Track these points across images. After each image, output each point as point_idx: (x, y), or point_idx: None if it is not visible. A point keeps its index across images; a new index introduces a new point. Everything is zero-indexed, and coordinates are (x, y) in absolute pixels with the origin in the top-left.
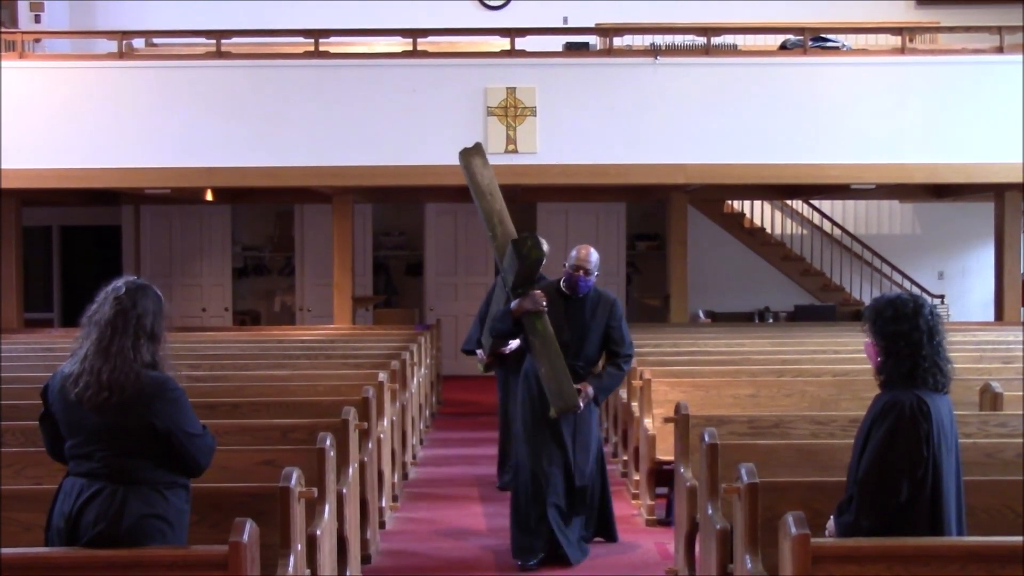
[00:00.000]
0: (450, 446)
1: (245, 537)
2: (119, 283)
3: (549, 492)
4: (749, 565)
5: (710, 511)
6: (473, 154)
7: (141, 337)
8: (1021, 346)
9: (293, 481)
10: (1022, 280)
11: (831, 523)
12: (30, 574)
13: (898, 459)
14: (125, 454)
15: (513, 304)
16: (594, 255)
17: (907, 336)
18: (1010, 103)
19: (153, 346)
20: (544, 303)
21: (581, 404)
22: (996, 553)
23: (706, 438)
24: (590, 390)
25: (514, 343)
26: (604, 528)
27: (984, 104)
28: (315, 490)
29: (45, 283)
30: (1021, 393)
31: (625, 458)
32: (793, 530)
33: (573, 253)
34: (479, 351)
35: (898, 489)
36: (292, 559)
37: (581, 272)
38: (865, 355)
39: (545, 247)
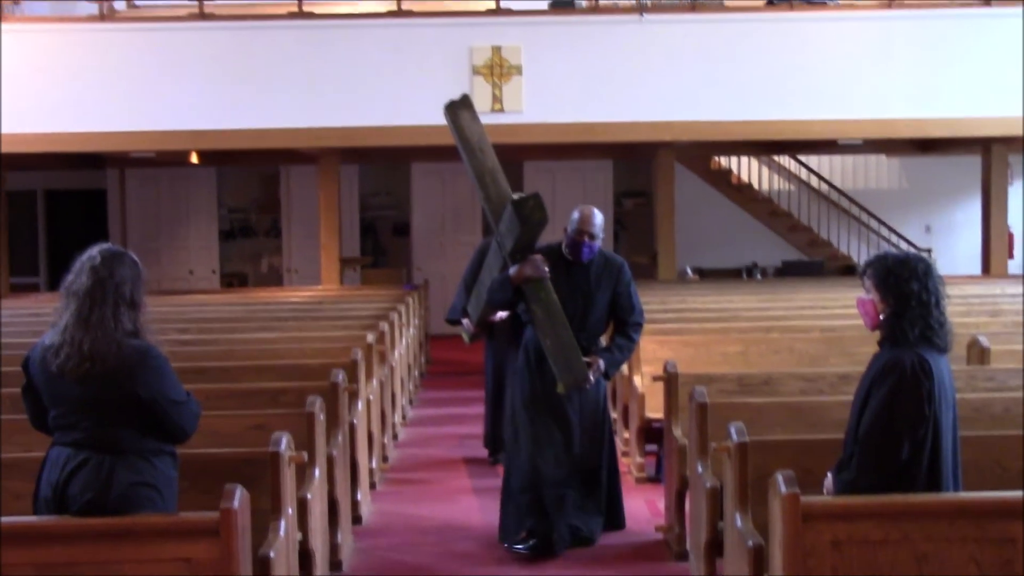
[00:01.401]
0: (440, 406)
1: (236, 503)
2: (94, 252)
3: (547, 480)
4: (739, 523)
5: (700, 469)
6: (460, 107)
7: (121, 305)
8: (1008, 299)
9: (283, 446)
10: (1008, 233)
11: (828, 481)
12: (22, 543)
13: (900, 418)
14: (110, 423)
15: (512, 270)
16: (598, 217)
17: (919, 296)
18: (997, 56)
19: (133, 314)
20: (546, 268)
21: (592, 378)
22: (985, 509)
23: (696, 397)
24: (601, 363)
25: (503, 313)
26: (612, 517)
27: (971, 58)
28: (305, 454)
29: (31, 248)
30: (1007, 347)
31: (615, 416)
32: (783, 489)
33: (575, 215)
34: (465, 321)
35: (900, 448)
36: (283, 523)
37: (585, 237)
38: (859, 311)
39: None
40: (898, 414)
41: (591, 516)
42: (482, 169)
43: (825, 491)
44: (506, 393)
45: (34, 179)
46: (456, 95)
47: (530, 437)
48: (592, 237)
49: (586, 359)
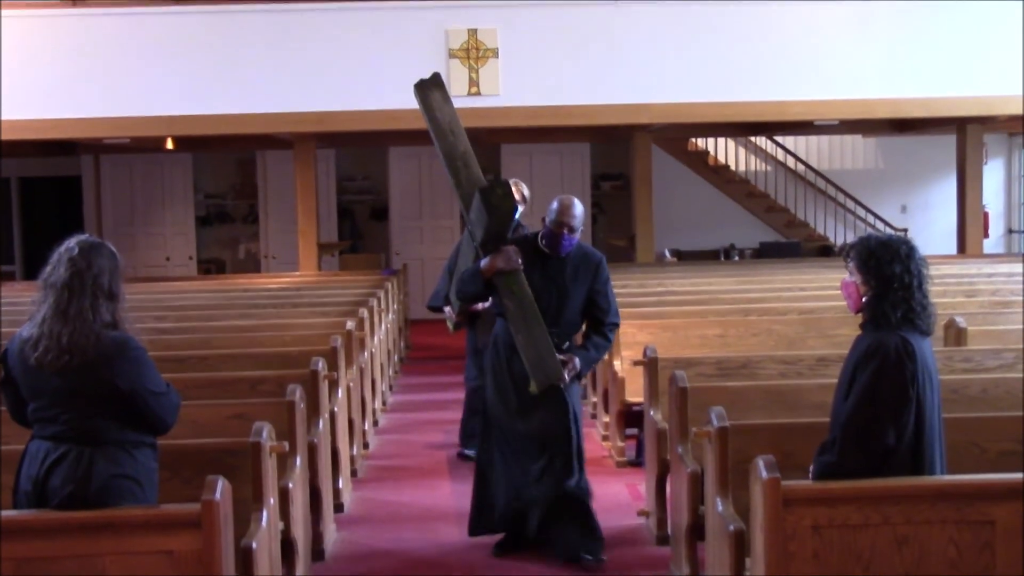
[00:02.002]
0: (420, 391)
1: (218, 495)
2: (71, 243)
3: (519, 483)
4: (720, 508)
5: (681, 453)
6: (430, 87)
7: (99, 297)
8: (984, 279)
9: (264, 436)
10: (983, 213)
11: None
12: (3, 537)
13: (884, 401)
14: (90, 415)
15: (483, 262)
16: (579, 208)
17: (900, 279)
18: (972, 37)
19: (112, 305)
20: (519, 260)
21: (567, 377)
22: (964, 491)
23: (676, 382)
24: (577, 362)
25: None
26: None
27: (946, 38)
28: (286, 444)
29: (5, 236)
30: (984, 328)
31: (595, 400)
32: (764, 474)
33: (554, 206)
34: (447, 308)
35: (885, 431)
36: (265, 513)
37: (565, 229)
38: (843, 293)
39: (526, 192)
40: (882, 397)
41: (588, 540)
42: (453, 153)
43: (812, 476)
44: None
45: (7, 167)
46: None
47: (498, 438)
48: (572, 230)
49: (560, 357)
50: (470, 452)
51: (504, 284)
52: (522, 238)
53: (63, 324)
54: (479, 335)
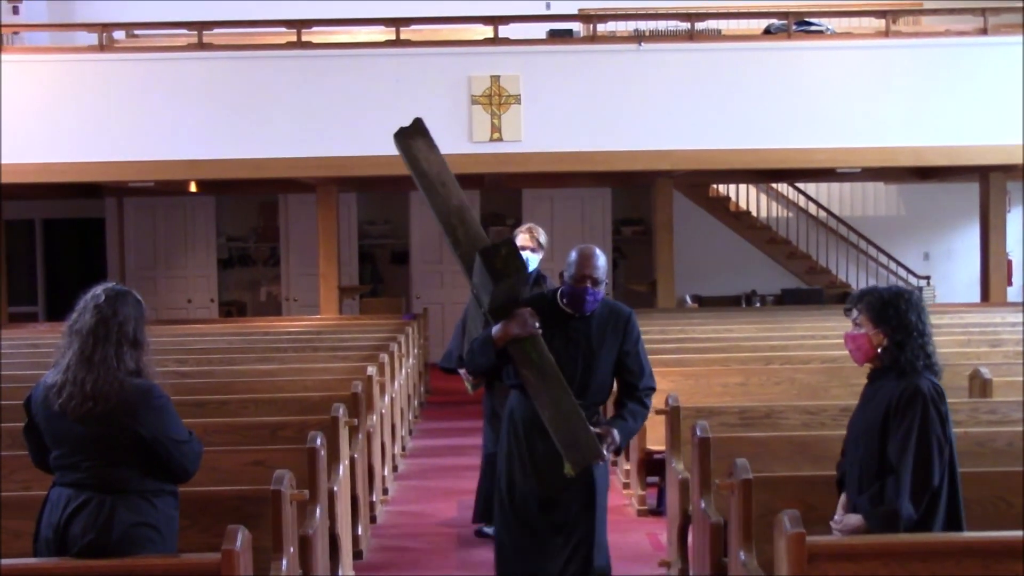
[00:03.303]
0: (439, 436)
1: (238, 545)
2: (98, 290)
3: (537, 568)
4: (743, 560)
5: (703, 505)
6: (412, 135)
7: (124, 345)
8: (1008, 328)
9: (284, 484)
10: (1007, 260)
11: (841, 516)
12: None
13: (930, 443)
14: (111, 464)
15: (495, 329)
16: (601, 259)
17: (917, 327)
18: (995, 85)
19: (136, 353)
20: (537, 323)
21: (607, 454)
22: (992, 548)
23: (698, 432)
24: (615, 434)
25: None
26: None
27: (969, 86)
28: (307, 492)
29: (29, 277)
30: (1009, 379)
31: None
32: (788, 528)
33: (572, 257)
34: (462, 371)
35: (932, 473)
36: (285, 561)
37: (587, 283)
38: (849, 346)
39: (542, 238)
40: (928, 440)
41: None
42: (446, 208)
43: (836, 527)
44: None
45: (32, 208)
46: (455, 124)
47: (520, 533)
48: (596, 283)
49: (595, 430)
50: (489, 530)
51: (521, 352)
52: (538, 297)
53: (87, 371)
54: (496, 398)
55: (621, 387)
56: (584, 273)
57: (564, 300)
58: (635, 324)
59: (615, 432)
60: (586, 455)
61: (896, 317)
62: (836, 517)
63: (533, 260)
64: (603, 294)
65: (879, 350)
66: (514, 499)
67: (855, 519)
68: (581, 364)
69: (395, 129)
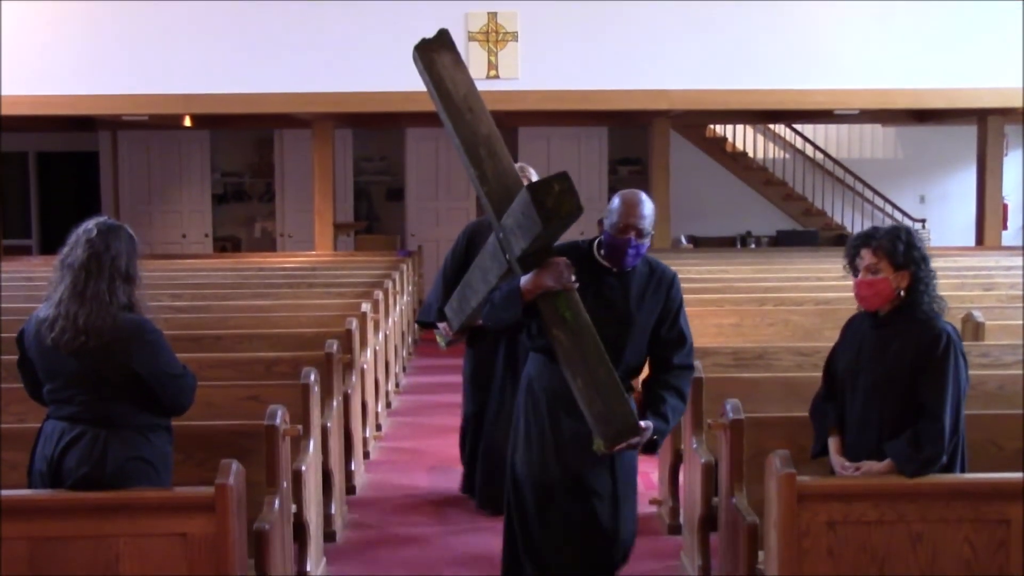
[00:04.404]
0: (433, 373)
1: (231, 479)
2: (90, 224)
3: (555, 558)
4: (734, 500)
5: (695, 445)
6: (437, 49)
7: (116, 279)
8: (1002, 272)
9: (278, 419)
10: (1003, 205)
11: (866, 464)
12: (17, 516)
13: (961, 388)
14: (105, 398)
15: (524, 279)
16: (648, 206)
17: (928, 260)
18: (994, 27)
19: (129, 288)
20: (573, 276)
21: (646, 431)
22: (980, 490)
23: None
24: (650, 426)
25: None
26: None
27: (968, 28)
28: (300, 427)
29: (23, 210)
30: (1002, 322)
31: None
32: (779, 468)
33: (615, 203)
34: (441, 325)
35: (960, 418)
36: (278, 496)
37: (632, 233)
38: (866, 293)
39: (535, 178)
40: (958, 385)
41: None
42: (473, 137)
43: (844, 469)
44: (487, 414)
45: (26, 141)
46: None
47: (539, 519)
48: (641, 235)
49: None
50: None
51: (552, 309)
52: (571, 246)
53: (80, 305)
54: (478, 358)
55: (654, 363)
56: (628, 222)
57: (602, 252)
58: (679, 288)
59: (650, 426)
60: (623, 431)
61: (920, 258)
62: (844, 463)
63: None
64: (647, 248)
65: (901, 293)
66: (532, 485)
67: (880, 466)
68: (615, 328)
69: (391, 65)
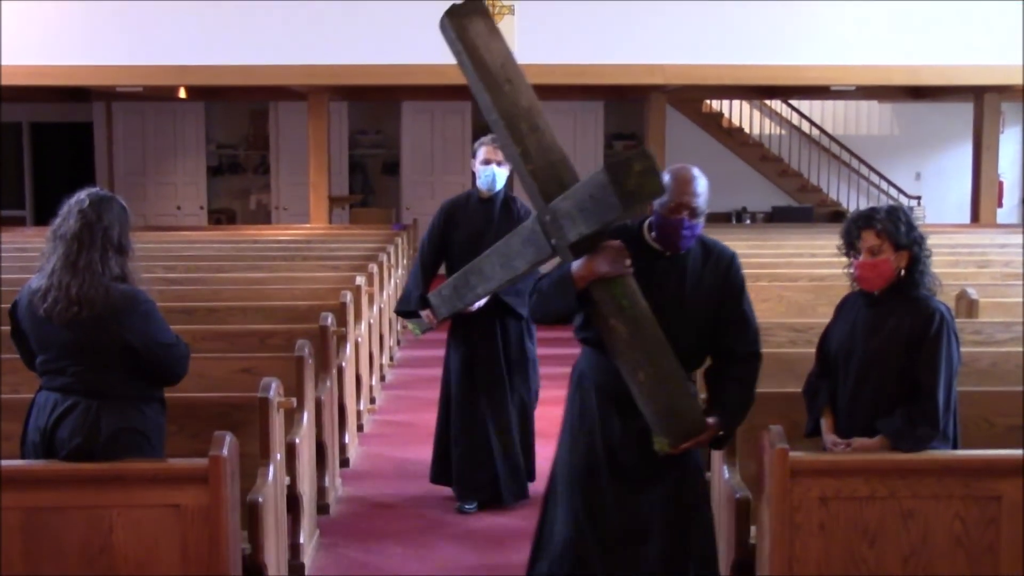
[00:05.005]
0: (427, 347)
1: (225, 451)
2: (82, 195)
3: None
4: (727, 475)
5: None
6: (470, 15)
7: (109, 250)
8: (997, 250)
9: (272, 392)
10: (998, 182)
11: (857, 441)
12: (11, 487)
13: (954, 366)
14: (98, 368)
15: (574, 266)
16: (702, 182)
17: (925, 240)
18: (992, 4)
19: (121, 259)
20: (628, 261)
21: (713, 427)
22: (971, 467)
23: None
24: (717, 421)
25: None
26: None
27: (965, 5)
28: (294, 400)
29: (16, 181)
30: (996, 300)
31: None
32: (772, 444)
33: (665, 179)
34: (423, 313)
35: (953, 395)
36: (271, 468)
37: (684, 212)
38: (869, 275)
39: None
40: (951, 363)
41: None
42: (513, 110)
43: (833, 446)
44: (451, 403)
45: (20, 111)
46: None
47: (579, 546)
48: (695, 214)
49: None
50: (470, 507)
51: (608, 297)
52: (620, 228)
53: (72, 276)
54: (466, 345)
55: (716, 352)
56: (681, 201)
57: (653, 234)
58: (739, 269)
59: (717, 425)
60: (690, 428)
61: (919, 238)
62: (835, 440)
63: (500, 176)
64: (702, 228)
65: (901, 273)
66: (580, 490)
67: (871, 442)
68: (670, 316)
69: (387, 37)
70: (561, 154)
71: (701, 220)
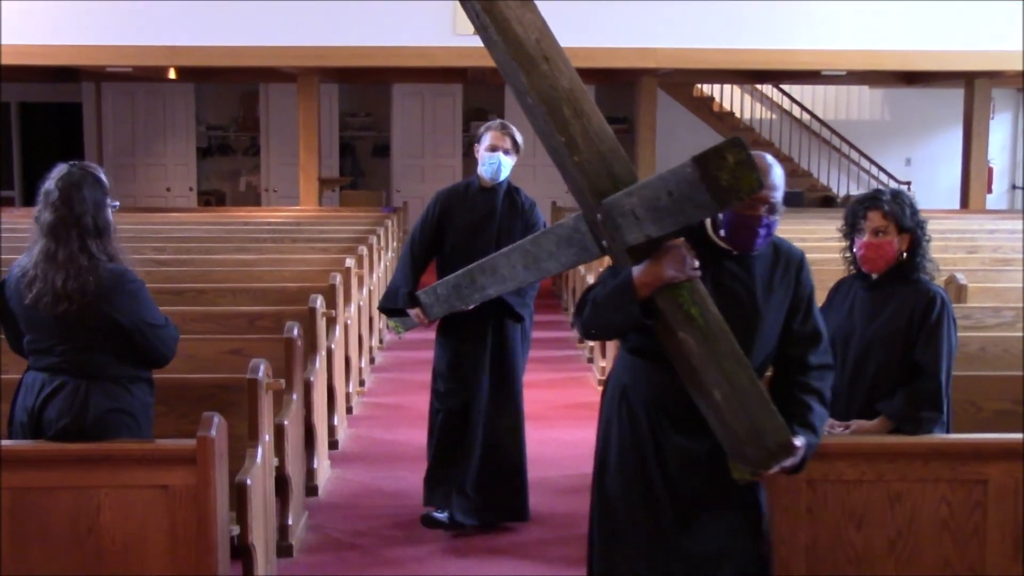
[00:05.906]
0: (417, 329)
1: (213, 432)
2: (51, 185)
3: None
4: None
5: None
6: None
7: (87, 238)
8: (986, 236)
9: (260, 373)
10: (988, 168)
11: (855, 423)
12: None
13: (953, 349)
14: (86, 348)
15: (636, 271)
16: (779, 173)
17: (926, 225)
18: None
19: (102, 241)
20: (696, 263)
21: (799, 449)
22: (958, 450)
23: None
24: (804, 441)
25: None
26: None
27: None
28: (283, 381)
29: (5, 161)
30: (984, 285)
31: (592, 344)
32: None
33: None
34: (412, 312)
35: (950, 377)
36: (260, 450)
37: (761, 209)
38: (872, 255)
39: (519, 137)
40: (950, 346)
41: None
42: (553, 92)
43: (835, 428)
44: (476, 411)
45: (8, 91)
46: (438, 17)
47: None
48: (773, 209)
49: None
50: (441, 516)
51: (675, 306)
52: (682, 228)
53: (56, 269)
54: (457, 347)
55: (787, 364)
56: (759, 194)
57: (722, 232)
58: (809, 272)
59: (802, 443)
60: (776, 451)
61: (921, 221)
62: (833, 422)
63: (507, 165)
64: (777, 226)
65: (903, 255)
66: (630, 518)
67: (871, 424)
68: (740, 325)
69: (377, 20)
70: (613, 142)
71: (777, 218)
